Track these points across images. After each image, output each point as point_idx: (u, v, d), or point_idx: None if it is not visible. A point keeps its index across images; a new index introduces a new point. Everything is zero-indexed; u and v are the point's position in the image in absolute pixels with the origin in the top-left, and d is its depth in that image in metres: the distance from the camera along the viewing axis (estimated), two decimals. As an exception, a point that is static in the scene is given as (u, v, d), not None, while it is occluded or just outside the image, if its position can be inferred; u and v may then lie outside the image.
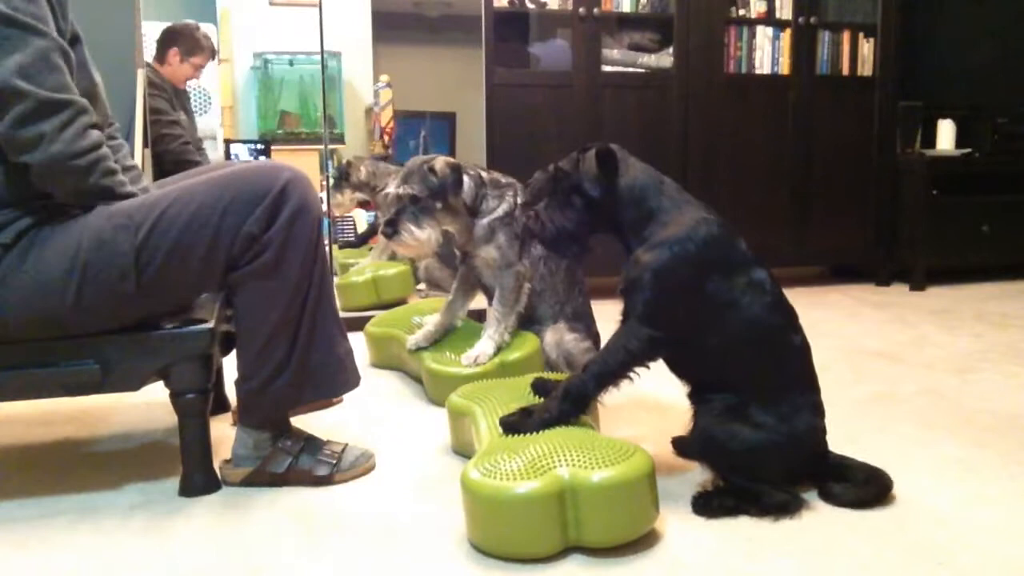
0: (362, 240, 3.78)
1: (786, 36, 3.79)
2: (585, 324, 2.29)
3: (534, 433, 1.53)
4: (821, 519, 1.52)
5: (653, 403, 2.17)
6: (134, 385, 1.60)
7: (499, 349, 2.20)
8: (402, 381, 2.47)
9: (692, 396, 1.64)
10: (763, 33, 3.77)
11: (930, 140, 4.11)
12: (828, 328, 3.13)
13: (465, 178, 2.19)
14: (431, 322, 2.34)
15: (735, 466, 1.54)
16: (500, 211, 2.21)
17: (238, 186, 1.56)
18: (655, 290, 1.52)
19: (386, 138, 3.80)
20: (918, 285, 3.90)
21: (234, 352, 1.67)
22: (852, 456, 1.65)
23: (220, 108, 3.79)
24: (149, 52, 3.45)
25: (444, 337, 2.33)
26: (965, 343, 2.87)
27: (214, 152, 3.72)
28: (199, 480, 1.65)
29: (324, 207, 3.24)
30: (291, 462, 1.67)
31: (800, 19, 3.78)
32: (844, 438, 1.83)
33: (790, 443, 1.53)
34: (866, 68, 3.92)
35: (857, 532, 1.47)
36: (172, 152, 3.36)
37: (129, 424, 2.10)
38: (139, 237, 1.50)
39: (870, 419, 2.08)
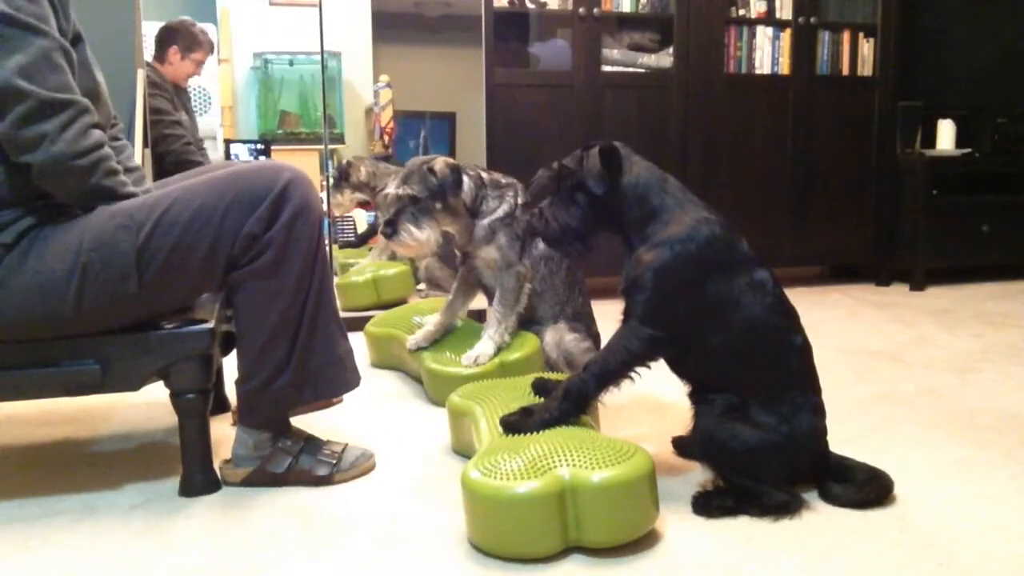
0: (362, 240, 3.78)
1: (786, 36, 3.79)
2: (585, 324, 2.29)
3: (534, 433, 1.53)
4: (821, 519, 1.52)
5: (653, 403, 2.17)
6: (134, 385, 1.60)
7: (499, 349, 2.20)
8: (402, 381, 2.47)
9: (693, 396, 1.64)
10: (763, 33, 3.77)
11: (930, 140, 4.11)
12: (828, 328, 3.13)
13: (465, 179, 2.19)
14: (431, 322, 2.34)
15: (735, 466, 1.53)
16: (500, 212, 2.21)
17: (239, 186, 1.56)
18: (656, 290, 1.52)
19: (386, 138, 3.80)
20: (918, 285, 3.90)
21: (234, 352, 1.67)
22: (852, 456, 1.65)
23: (220, 108, 3.79)
24: (149, 52, 3.45)
25: (444, 337, 2.33)
26: (965, 343, 2.87)
27: (214, 152, 3.72)
28: (199, 480, 1.65)
29: (324, 207, 3.24)
30: (291, 462, 1.67)
31: (800, 19, 3.78)
32: (844, 438, 1.83)
33: (791, 443, 1.53)
34: (866, 68, 3.92)
35: (857, 532, 1.47)
36: (174, 153, 3.36)
37: (129, 424, 2.10)
38: (140, 237, 1.50)
39: (870, 419, 2.08)
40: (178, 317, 1.63)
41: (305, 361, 1.63)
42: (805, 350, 1.60)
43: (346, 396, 1.74)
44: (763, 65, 3.79)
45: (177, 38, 3.48)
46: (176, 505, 1.61)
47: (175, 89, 3.50)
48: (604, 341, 1.70)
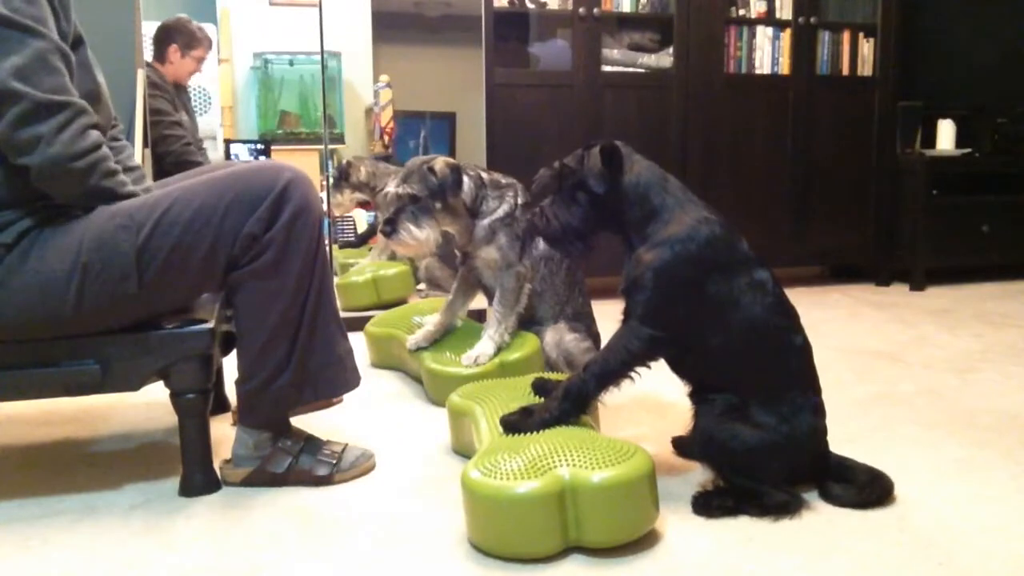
0: (362, 240, 3.78)
1: (786, 36, 3.79)
2: (585, 324, 2.29)
3: (534, 433, 1.53)
4: (821, 519, 1.52)
5: (653, 403, 2.17)
6: (134, 385, 1.60)
7: (499, 349, 2.20)
8: (402, 381, 2.47)
9: (693, 396, 1.64)
10: (763, 33, 3.77)
11: (930, 140, 4.11)
12: (828, 328, 3.13)
13: (465, 178, 2.19)
14: (431, 322, 2.34)
15: (735, 466, 1.53)
16: (500, 212, 2.21)
17: (239, 186, 1.56)
18: (656, 289, 1.52)
19: (386, 138, 3.80)
20: (918, 285, 3.90)
21: (234, 352, 1.67)
22: (852, 456, 1.65)
23: (220, 108, 3.79)
24: (148, 52, 3.45)
25: (444, 337, 2.33)
26: (965, 343, 2.87)
27: (214, 152, 3.72)
28: (199, 480, 1.65)
29: (324, 207, 3.24)
30: (291, 462, 1.67)
31: (800, 19, 3.78)
32: (844, 438, 1.83)
33: (791, 443, 1.53)
34: (866, 68, 3.92)
35: (857, 532, 1.47)
36: (173, 153, 3.35)
37: (129, 424, 2.10)
38: (140, 237, 1.50)
39: (870, 419, 2.08)
40: (178, 317, 1.63)
41: (305, 361, 1.63)
42: (805, 350, 1.60)
43: (346, 396, 1.74)
44: (763, 65, 3.79)
45: (176, 36, 3.47)
46: (176, 505, 1.61)
47: (176, 89, 3.50)
48: (604, 341, 1.70)
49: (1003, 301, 3.63)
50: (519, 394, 1.77)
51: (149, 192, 1.63)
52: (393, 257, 3.35)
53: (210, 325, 1.62)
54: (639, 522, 1.41)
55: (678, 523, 1.50)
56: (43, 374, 1.56)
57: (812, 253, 3.96)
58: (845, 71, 3.89)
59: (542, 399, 1.69)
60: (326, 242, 2.33)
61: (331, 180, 3.41)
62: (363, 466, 1.74)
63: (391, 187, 2.17)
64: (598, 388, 1.58)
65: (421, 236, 2.13)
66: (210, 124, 3.78)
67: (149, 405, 2.20)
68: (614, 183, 1.57)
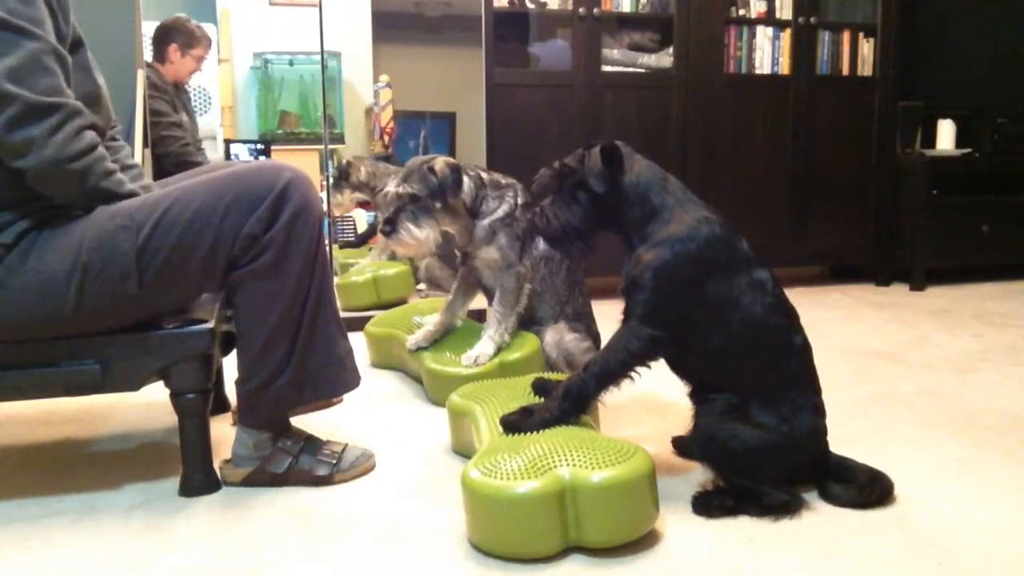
0: (362, 240, 3.78)
1: (786, 36, 3.79)
2: (585, 324, 2.29)
3: (534, 433, 1.53)
4: (821, 519, 1.52)
5: (653, 403, 2.17)
6: (134, 385, 1.60)
7: (499, 349, 2.20)
8: (402, 381, 2.47)
9: (693, 396, 1.64)
10: (763, 33, 3.77)
11: (930, 140, 4.11)
12: (828, 328, 3.13)
13: (465, 178, 2.19)
14: (431, 322, 2.34)
15: (735, 466, 1.53)
16: (500, 212, 2.21)
17: (239, 186, 1.56)
18: (656, 289, 1.52)
19: (386, 138, 3.80)
20: (918, 285, 3.90)
21: (234, 352, 1.67)
22: (852, 456, 1.65)
23: (220, 108, 3.79)
24: (148, 52, 3.45)
25: (444, 337, 2.33)
26: (965, 343, 2.87)
27: (214, 152, 3.72)
28: (199, 480, 1.65)
29: (324, 207, 3.24)
30: (291, 462, 1.67)
31: (800, 19, 3.78)
32: (844, 438, 1.83)
33: (791, 443, 1.53)
34: (866, 68, 3.92)
35: (857, 532, 1.47)
36: (173, 154, 3.35)
37: (129, 424, 2.10)
38: (140, 238, 1.50)
39: (870, 419, 2.08)
40: (178, 317, 1.63)
41: (305, 361, 1.63)
42: (805, 350, 1.60)
43: (346, 396, 1.74)
44: (763, 65, 3.79)
45: (175, 36, 3.47)
46: (176, 505, 1.61)
47: (175, 89, 3.50)
48: (604, 341, 1.70)
49: (1003, 301, 3.63)
50: (519, 394, 1.77)
51: (149, 191, 1.63)
52: (393, 257, 3.35)
53: (210, 325, 1.62)
54: (639, 522, 1.41)
55: (678, 523, 1.50)
56: (43, 374, 1.56)
57: (812, 253, 3.96)
58: (845, 71, 3.89)
59: (542, 399, 1.69)
60: (326, 242, 2.33)
61: (331, 180, 3.41)
62: (363, 466, 1.74)
63: (391, 187, 2.17)
64: (598, 388, 1.58)
65: (421, 236, 2.13)
66: (210, 124, 3.78)
67: (149, 405, 2.20)
68: (614, 183, 1.57)
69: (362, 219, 3.82)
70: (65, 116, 1.44)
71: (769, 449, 1.51)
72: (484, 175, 2.25)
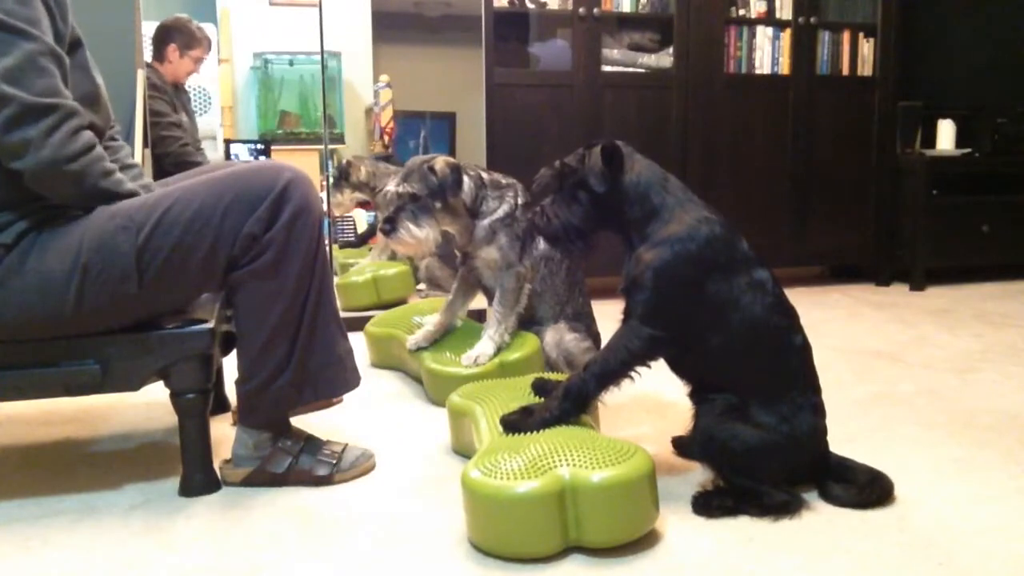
0: (362, 240, 3.78)
1: (786, 36, 3.79)
2: (585, 324, 2.29)
3: (534, 432, 1.53)
4: (821, 519, 1.52)
5: (653, 403, 2.17)
6: (134, 385, 1.60)
7: (499, 349, 2.20)
8: (402, 381, 2.47)
9: (693, 396, 1.64)
10: (763, 33, 3.77)
11: (930, 140, 4.11)
12: (828, 328, 3.13)
13: (465, 178, 2.19)
14: (431, 322, 2.34)
15: (735, 466, 1.53)
16: (501, 212, 2.21)
17: (239, 186, 1.56)
18: (656, 289, 1.52)
19: (386, 138, 3.80)
20: (918, 285, 3.90)
21: (234, 352, 1.67)
22: (852, 456, 1.65)
23: (220, 108, 3.79)
24: (148, 52, 3.45)
25: (444, 337, 2.33)
26: (965, 343, 2.87)
27: (214, 152, 3.72)
28: (199, 480, 1.65)
29: (324, 207, 3.24)
30: (291, 462, 1.67)
31: (800, 19, 3.78)
32: (844, 438, 1.83)
33: (791, 443, 1.53)
34: (866, 68, 3.92)
35: (857, 532, 1.47)
36: (172, 154, 3.35)
37: (129, 424, 2.10)
38: (140, 238, 1.50)
39: (870, 419, 2.08)
40: (178, 317, 1.63)
41: (305, 361, 1.63)
42: (805, 350, 1.60)
43: (346, 396, 1.74)
44: (763, 65, 3.79)
45: (175, 36, 3.47)
46: (176, 505, 1.61)
47: (175, 90, 3.50)
48: (604, 341, 1.70)
49: (1003, 301, 3.63)
50: (519, 394, 1.77)
51: (149, 190, 1.63)
52: (393, 257, 3.35)
53: (210, 325, 1.62)
54: (639, 522, 1.41)
55: (678, 523, 1.50)
56: (43, 374, 1.56)
57: (812, 253, 3.96)
58: (845, 71, 3.89)
59: (542, 399, 1.69)
60: (326, 242, 2.33)
61: (331, 180, 3.41)
62: (363, 466, 1.74)
63: (391, 186, 2.17)
64: (598, 388, 1.58)
65: (421, 235, 2.13)
66: (210, 124, 3.78)
67: (149, 405, 2.20)
68: (615, 182, 1.57)
69: (362, 219, 3.82)
70: (62, 117, 1.43)
71: (769, 449, 1.51)
72: (484, 175, 2.25)
